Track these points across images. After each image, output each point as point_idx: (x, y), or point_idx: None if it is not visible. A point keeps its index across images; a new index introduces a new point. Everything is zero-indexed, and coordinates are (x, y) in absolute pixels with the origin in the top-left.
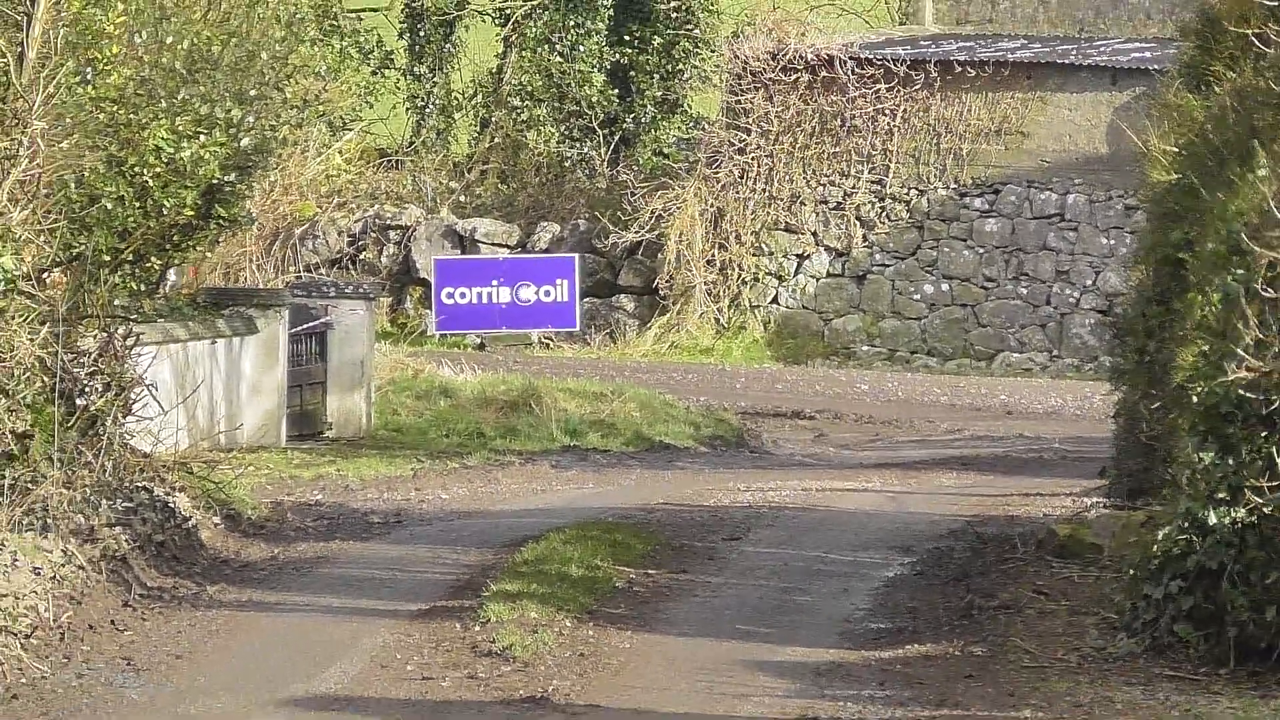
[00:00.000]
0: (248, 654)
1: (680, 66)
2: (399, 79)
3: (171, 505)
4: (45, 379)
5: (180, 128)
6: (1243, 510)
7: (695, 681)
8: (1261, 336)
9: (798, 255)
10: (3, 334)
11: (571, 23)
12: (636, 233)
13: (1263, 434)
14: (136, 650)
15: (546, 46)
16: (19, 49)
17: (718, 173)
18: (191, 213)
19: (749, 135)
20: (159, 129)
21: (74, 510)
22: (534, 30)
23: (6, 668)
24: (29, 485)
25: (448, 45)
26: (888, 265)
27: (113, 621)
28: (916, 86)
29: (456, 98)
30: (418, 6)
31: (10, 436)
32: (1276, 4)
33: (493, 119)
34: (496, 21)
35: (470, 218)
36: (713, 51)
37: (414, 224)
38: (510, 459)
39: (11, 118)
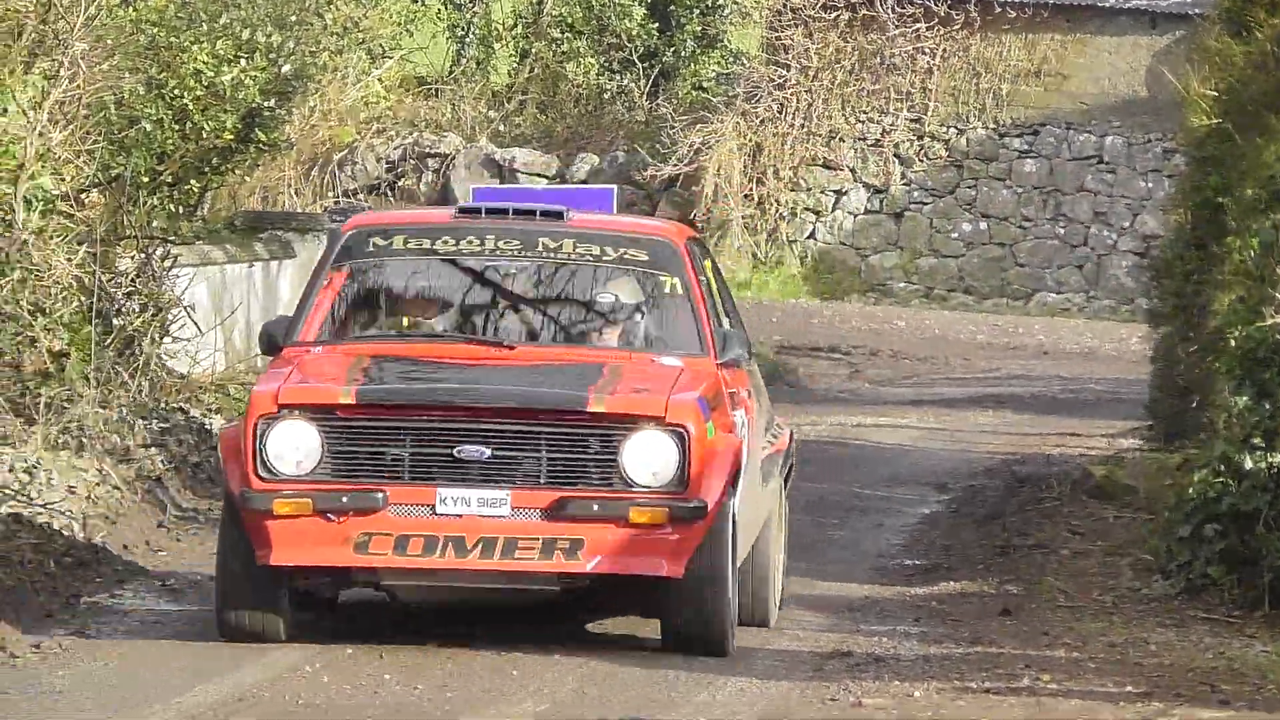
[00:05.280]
0: None
1: (720, 1)
2: (439, 8)
3: (207, 427)
4: (82, 299)
5: (220, 52)
6: (1278, 455)
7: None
8: None
9: (835, 191)
10: (41, 253)
11: None
12: (674, 166)
13: None
14: (172, 571)
15: None
16: None
17: (756, 108)
18: (230, 137)
19: (788, 71)
20: (199, 53)
21: (110, 430)
22: None
23: (41, 585)
24: (65, 404)
25: None
26: (925, 203)
27: (147, 542)
28: (956, 26)
29: (496, 28)
30: None
31: (47, 355)
32: None
33: (532, 50)
34: None
35: (509, 147)
36: None
37: (453, 152)
38: None
39: (53, 38)
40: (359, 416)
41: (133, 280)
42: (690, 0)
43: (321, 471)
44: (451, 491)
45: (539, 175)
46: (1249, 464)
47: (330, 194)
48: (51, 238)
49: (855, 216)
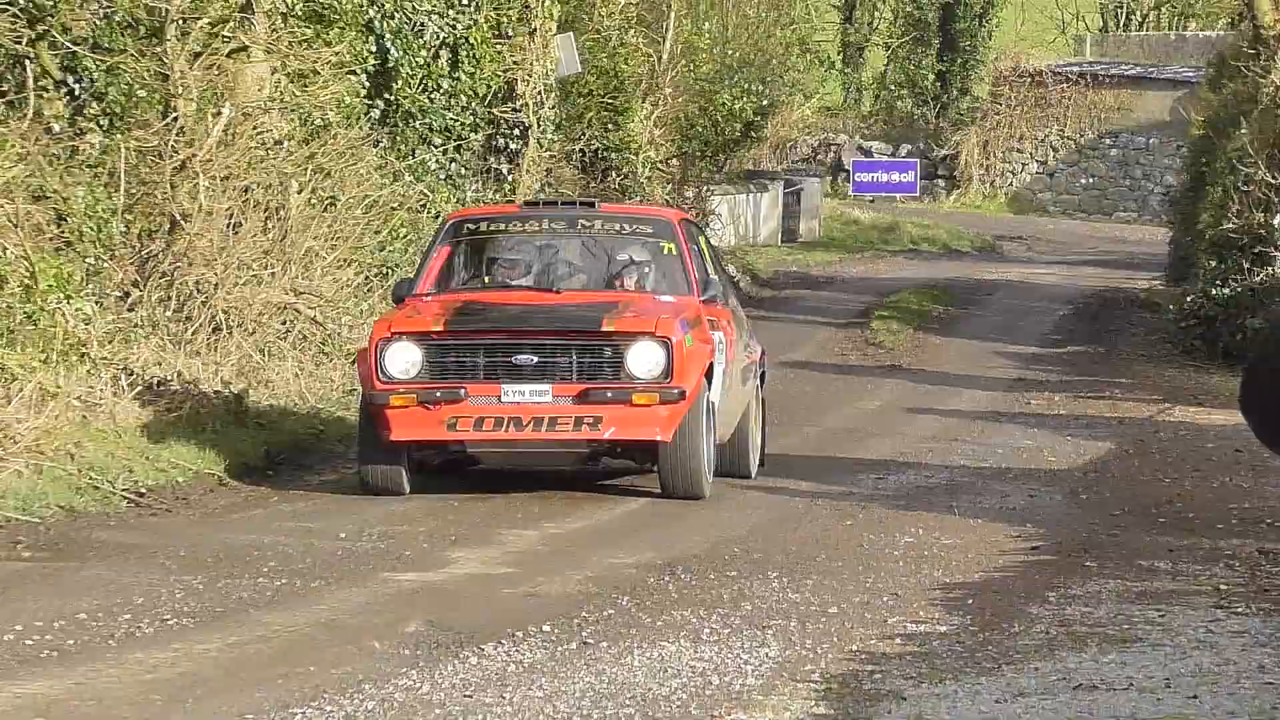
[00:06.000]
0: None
1: (970, 72)
2: (838, 73)
3: (732, 278)
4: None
5: (734, 93)
6: (1227, 290)
7: (968, 359)
8: (1239, 209)
9: (1021, 165)
10: (649, 189)
11: (921, 58)
12: (947, 150)
13: (1240, 256)
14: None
15: (914, 68)
16: (660, 53)
17: (985, 122)
18: (738, 135)
19: (1002, 106)
20: (724, 94)
21: None
22: (903, 59)
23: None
24: None
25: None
26: (1065, 169)
27: None
28: (1079, 85)
29: (872, 86)
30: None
31: None
32: (1251, 49)
33: (881, 95)
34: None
35: (870, 140)
36: (983, 64)
37: (843, 142)
38: (884, 253)
39: (657, 87)
40: (447, 338)
41: (692, 201)
42: (955, 72)
43: (422, 376)
44: (511, 386)
45: (882, 154)
46: (1214, 292)
47: (783, 163)
48: (653, 181)
49: (1032, 175)
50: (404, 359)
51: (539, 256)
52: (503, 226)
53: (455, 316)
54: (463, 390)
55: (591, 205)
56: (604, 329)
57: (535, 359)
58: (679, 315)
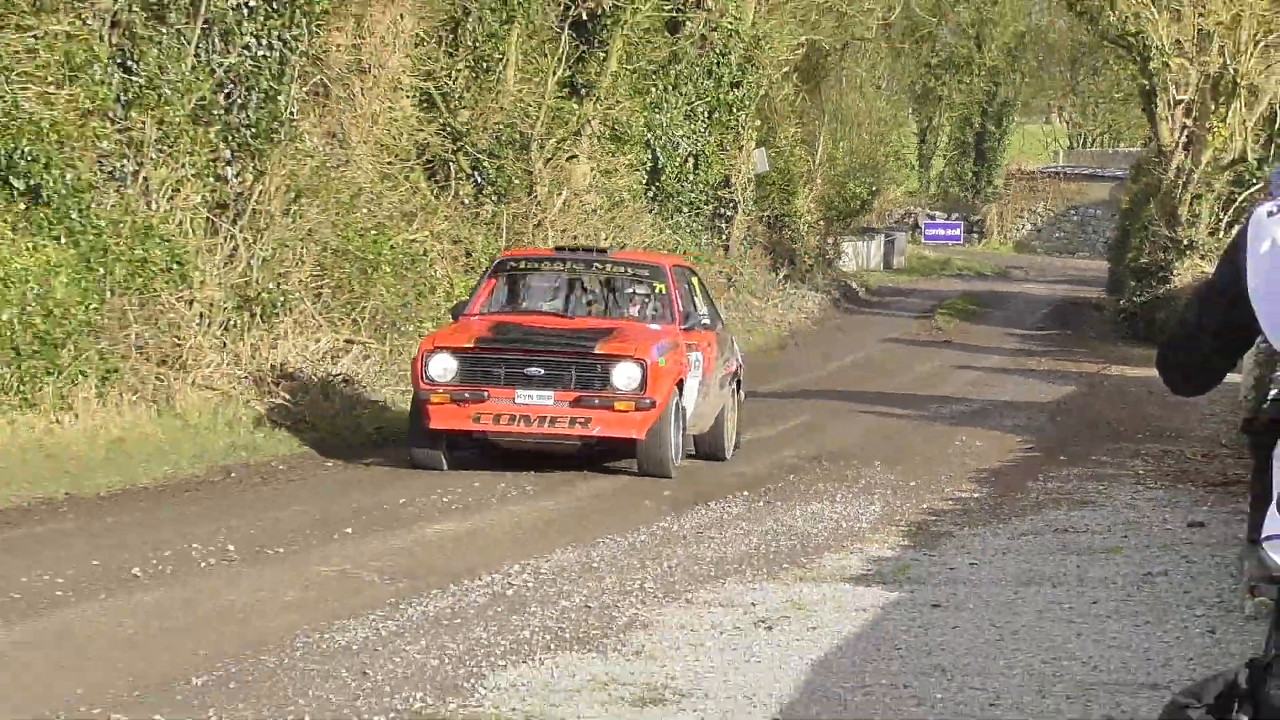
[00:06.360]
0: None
1: (992, 171)
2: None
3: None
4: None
5: (856, 183)
6: (1143, 298)
7: (990, 337)
8: (1149, 249)
9: (1021, 225)
10: (805, 238)
11: (964, 163)
12: (979, 216)
13: (1149, 278)
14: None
15: (959, 169)
16: (814, 160)
17: (1000, 200)
18: (858, 207)
19: (1010, 192)
20: (851, 184)
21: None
22: (953, 164)
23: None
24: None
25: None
26: (1046, 227)
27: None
28: (1057, 179)
29: (936, 179)
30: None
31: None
32: (1156, 158)
33: (941, 185)
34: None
35: (934, 210)
36: (999, 167)
37: (918, 212)
38: (942, 276)
39: (812, 179)
40: (476, 352)
41: (832, 245)
42: (984, 172)
43: (455, 380)
44: (523, 391)
45: (941, 218)
46: (1135, 299)
47: (884, 223)
48: (809, 234)
49: (1027, 231)
50: (441, 366)
51: (563, 289)
52: (537, 265)
53: (484, 335)
54: (485, 393)
55: (604, 253)
56: (596, 351)
57: (542, 371)
58: (658, 340)
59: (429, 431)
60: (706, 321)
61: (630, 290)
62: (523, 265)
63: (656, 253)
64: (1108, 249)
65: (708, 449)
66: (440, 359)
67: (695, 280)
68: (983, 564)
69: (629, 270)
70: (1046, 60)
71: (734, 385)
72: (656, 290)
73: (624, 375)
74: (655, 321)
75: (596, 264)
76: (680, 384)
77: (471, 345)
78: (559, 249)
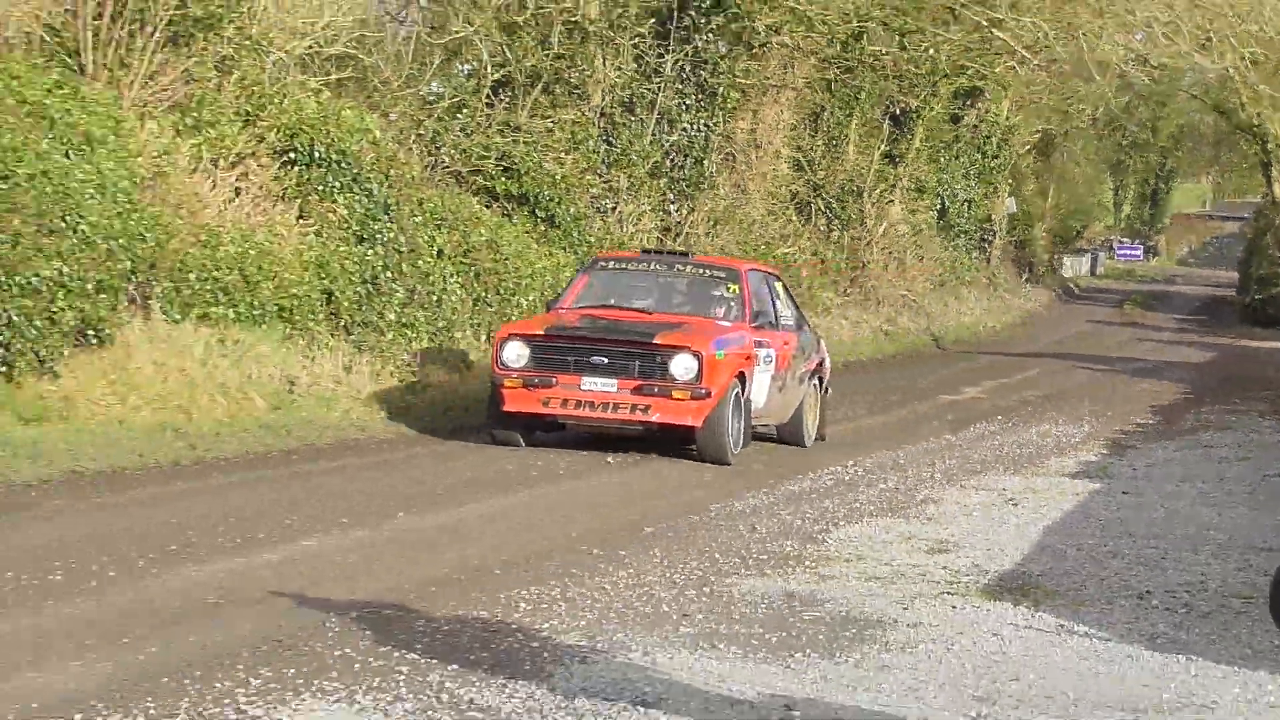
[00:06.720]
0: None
1: (1157, 216)
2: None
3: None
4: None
5: (1073, 220)
6: (1261, 296)
7: (1160, 321)
8: (1268, 264)
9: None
10: (1041, 254)
11: (1145, 211)
12: (1152, 242)
13: (1269, 284)
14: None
15: (1141, 214)
16: (1045, 203)
17: (1167, 231)
18: (1074, 235)
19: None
20: (1070, 219)
21: None
22: (1137, 210)
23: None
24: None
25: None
26: (1194, 250)
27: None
28: (1205, 220)
29: (1124, 220)
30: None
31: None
32: (1272, 203)
33: (1128, 225)
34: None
35: (1124, 237)
36: (1167, 213)
37: (1113, 239)
38: (1129, 281)
39: (1043, 217)
40: (545, 340)
41: (1057, 261)
42: (1154, 217)
43: (527, 366)
44: (588, 378)
45: (1127, 242)
46: (1256, 298)
47: (1091, 245)
48: (1045, 249)
49: (1185, 252)
50: (515, 353)
51: (650, 288)
52: (625, 265)
53: (556, 324)
54: (554, 379)
55: (686, 255)
56: (655, 342)
57: (606, 360)
58: (720, 335)
59: (502, 414)
60: (789, 322)
61: (712, 291)
62: (612, 265)
63: (738, 257)
64: (1238, 264)
65: (788, 438)
66: (513, 346)
67: (779, 285)
68: (1156, 466)
69: (707, 272)
70: (1199, 143)
71: (815, 381)
72: (730, 290)
73: (681, 365)
74: (728, 319)
75: (679, 265)
76: (742, 376)
77: (542, 333)
78: (644, 251)
